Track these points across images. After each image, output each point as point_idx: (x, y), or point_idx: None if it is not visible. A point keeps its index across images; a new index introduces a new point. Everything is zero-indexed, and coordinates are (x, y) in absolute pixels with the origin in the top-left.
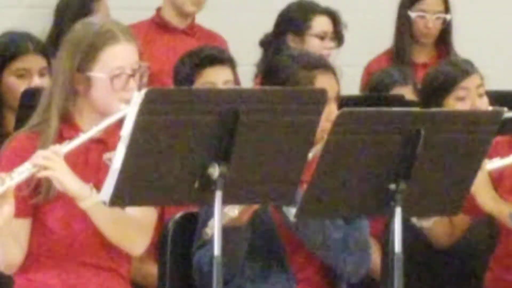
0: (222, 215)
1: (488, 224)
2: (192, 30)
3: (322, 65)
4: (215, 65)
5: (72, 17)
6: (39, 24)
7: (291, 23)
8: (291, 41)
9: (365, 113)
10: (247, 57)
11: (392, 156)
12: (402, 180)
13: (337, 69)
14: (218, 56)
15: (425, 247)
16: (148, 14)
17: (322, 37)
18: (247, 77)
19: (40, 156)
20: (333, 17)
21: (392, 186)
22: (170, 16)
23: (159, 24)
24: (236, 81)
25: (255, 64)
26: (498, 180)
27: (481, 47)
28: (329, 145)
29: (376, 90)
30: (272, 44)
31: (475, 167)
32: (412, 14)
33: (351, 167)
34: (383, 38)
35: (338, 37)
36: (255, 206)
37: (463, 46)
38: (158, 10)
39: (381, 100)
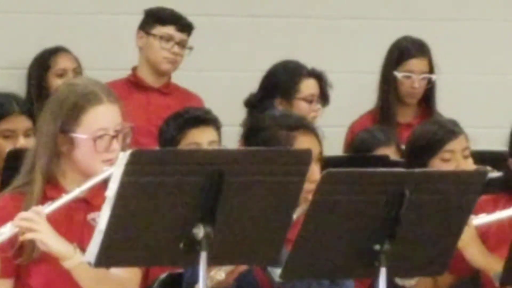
0: (208, 279)
1: (471, 282)
2: (168, 88)
3: (303, 125)
4: (200, 126)
5: (36, 76)
6: (15, 84)
7: (279, 87)
8: (279, 104)
9: (350, 174)
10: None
11: (377, 216)
12: (387, 241)
13: (319, 130)
14: (203, 117)
15: None
16: (123, 74)
17: (310, 100)
18: (226, 138)
19: (22, 218)
20: (320, 78)
21: (377, 247)
22: (146, 75)
23: (134, 82)
24: (220, 141)
25: (239, 124)
26: (483, 237)
27: (464, 106)
28: (314, 206)
29: (359, 150)
30: (258, 106)
31: (460, 226)
32: (398, 75)
33: (336, 228)
34: (366, 99)
35: (324, 98)
36: (242, 268)
37: (446, 106)
38: (134, 69)
39: (366, 160)
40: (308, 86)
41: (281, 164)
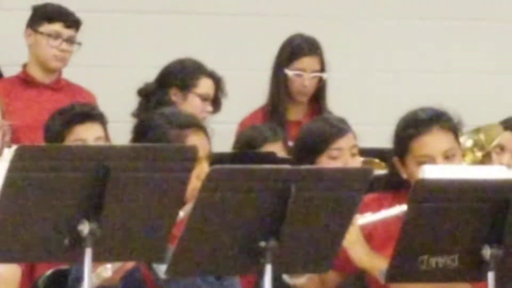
0: (95, 276)
1: (358, 280)
2: (59, 84)
3: (194, 124)
4: (86, 122)
5: None
6: None
7: (176, 77)
8: (173, 95)
9: (235, 171)
10: (121, 113)
11: (260, 213)
12: (272, 238)
13: (209, 129)
14: (89, 113)
15: None
16: (14, 70)
17: (205, 99)
18: (120, 134)
19: None
20: (217, 82)
21: (262, 244)
22: (36, 72)
23: (25, 79)
24: (107, 137)
25: (131, 114)
26: (368, 236)
27: (354, 104)
28: (199, 203)
29: (247, 147)
30: (153, 95)
31: (346, 224)
32: (289, 73)
33: (221, 225)
34: (258, 95)
35: (217, 102)
36: (128, 265)
37: (337, 103)
38: (24, 66)
39: (253, 157)
40: (206, 85)
41: (167, 161)
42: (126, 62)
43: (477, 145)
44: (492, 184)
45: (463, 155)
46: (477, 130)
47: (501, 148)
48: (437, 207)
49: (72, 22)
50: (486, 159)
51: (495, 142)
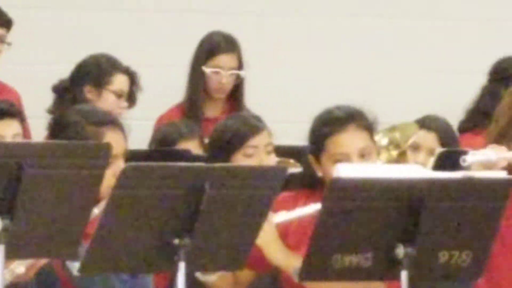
0: (8, 272)
1: (272, 278)
2: None
3: (110, 121)
4: (4, 118)
5: None
6: None
7: (90, 74)
8: (88, 92)
9: (149, 168)
10: (39, 110)
11: (176, 211)
12: (186, 235)
13: (125, 126)
14: (7, 110)
15: None
16: None
17: (119, 95)
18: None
19: None
20: (132, 78)
21: (176, 241)
22: None
23: None
24: (27, 134)
25: (46, 110)
26: (284, 234)
27: (272, 102)
28: (113, 200)
29: (163, 144)
30: (68, 92)
31: (260, 222)
32: (206, 70)
33: (135, 222)
34: (175, 92)
35: (132, 98)
36: (42, 262)
37: (255, 101)
38: None
39: (168, 154)
40: (121, 81)
41: (81, 158)
42: (44, 59)
43: (393, 143)
44: (406, 183)
45: (379, 153)
46: (392, 129)
47: (416, 147)
48: (351, 206)
49: (4, 21)
50: (401, 158)
51: (410, 141)
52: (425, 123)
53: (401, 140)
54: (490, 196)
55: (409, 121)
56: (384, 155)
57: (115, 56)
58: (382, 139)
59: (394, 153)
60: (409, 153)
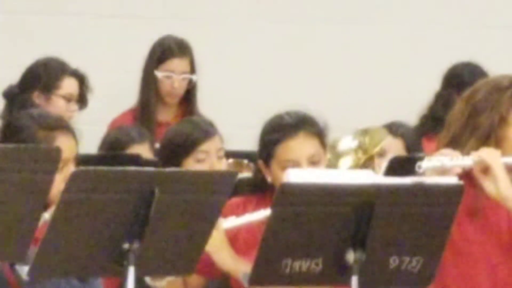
0: None
1: (222, 284)
2: None
3: (61, 126)
4: None
5: None
6: None
7: (39, 80)
8: (37, 98)
9: (99, 172)
10: None
11: (126, 215)
12: (136, 240)
13: (77, 131)
14: None
15: None
16: None
17: (68, 99)
18: None
19: None
20: (82, 80)
21: (126, 246)
22: None
23: None
24: None
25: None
26: (233, 240)
27: (224, 107)
28: (62, 204)
29: (113, 148)
30: (16, 98)
31: (209, 227)
32: (159, 74)
33: (85, 226)
34: (128, 97)
35: (82, 100)
36: None
37: (207, 105)
38: None
39: (118, 158)
40: (69, 85)
41: (30, 161)
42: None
43: (361, 148)
44: (356, 188)
45: (347, 155)
46: (364, 132)
47: (382, 152)
48: (300, 211)
49: None
50: (368, 163)
51: (378, 147)
52: (392, 129)
53: (370, 145)
54: (441, 202)
55: (379, 126)
56: (351, 158)
57: (65, 60)
58: (352, 142)
59: (362, 157)
60: (376, 159)
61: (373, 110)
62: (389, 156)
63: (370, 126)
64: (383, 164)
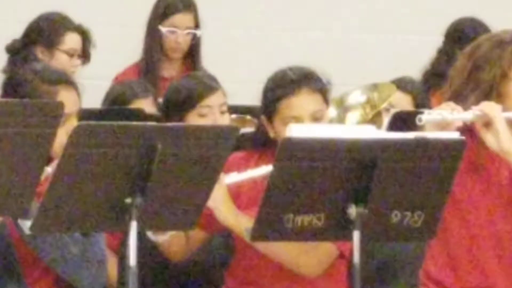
0: None
1: (224, 238)
2: None
3: (64, 80)
4: None
5: None
6: None
7: (42, 35)
8: (40, 53)
9: (101, 127)
10: None
11: (128, 170)
12: (138, 194)
13: (79, 85)
14: None
15: (162, 260)
16: None
17: (71, 54)
18: None
19: None
20: (85, 35)
21: (128, 200)
22: None
23: None
24: None
25: (1, 70)
26: (235, 195)
27: (228, 62)
28: (64, 159)
29: (116, 103)
30: (20, 52)
31: (211, 182)
32: (163, 29)
33: (87, 181)
34: (132, 51)
35: (85, 55)
36: None
37: (211, 60)
38: None
39: (121, 113)
40: (72, 40)
41: (33, 116)
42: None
43: (370, 102)
44: (359, 143)
45: (355, 109)
46: (373, 87)
47: (390, 108)
48: (303, 166)
49: None
50: (376, 119)
51: (386, 103)
52: (401, 84)
53: (378, 100)
54: (443, 157)
55: (388, 81)
56: (358, 113)
57: (69, 15)
58: (360, 96)
59: (370, 113)
60: (384, 114)
61: (378, 66)
62: (392, 110)
63: (380, 81)
64: (386, 119)
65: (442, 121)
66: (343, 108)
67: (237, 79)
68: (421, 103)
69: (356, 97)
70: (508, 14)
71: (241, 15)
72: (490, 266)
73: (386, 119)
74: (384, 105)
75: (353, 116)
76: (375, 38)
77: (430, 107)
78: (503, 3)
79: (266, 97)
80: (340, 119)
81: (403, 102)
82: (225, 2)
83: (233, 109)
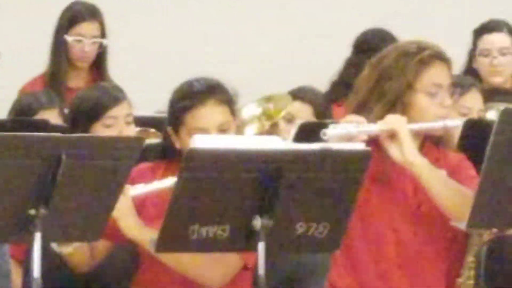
0: None
1: (130, 249)
2: None
3: None
4: None
5: None
6: None
7: None
8: None
9: (4, 138)
10: None
11: (33, 181)
12: (43, 206)
13: None
14: None
15: (67, 271)
16: None
17: None
18: None
19: None
20: None
21: (32, 212)
22: None
23: None
24: None
25: None
26: (141, 207)
27: (135, 72)
28: None
29: (22, 114)
30: None
31: (116, 193)
32: (69, 38)
33: None
34: (39, 62)
35: None
36: None
37: (118, 71)
38: None
39: (26, 124)
40: None
41: None
42: None
43: (266, 114)
44: (264, 154)
45: (251, 123)
46: (267, 99)
47: (291, 118)
48: (207, 177)
49: None
50: (273, 129)
51: (283, 112)
52: (300, 94)
53: (274, 111)
54: (348, 168)
55: (284, 92)
56: (256, 125)
57: None
58: (256, 109)
59: (267, 123)
60: (283, 124)
61: (284, 77)
62: (298, 121)
63: (274, 92)
64: (292, 130)
65: (347, 135)
66: (240, 122)
67: (144, 89)
68: (322, 113)
69: (251, 110)
70: (415, 24)
71: (149, 25)
72: (393, 274)
73: (289, 130)
74: (281, 115)
75: (250, 129)
76: (283, 48)
77: (331, 116)
78: (409, 13)
79: (172, 108)
80: (239, 133)
81: (303, 111)
82: (133, 11)
83: (139, 120)
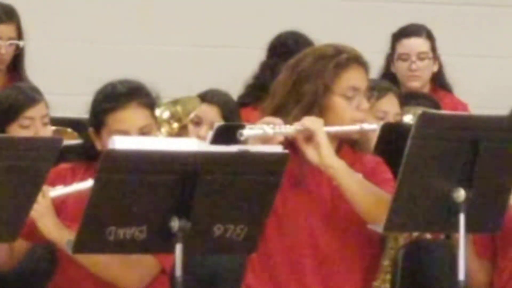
0: None
1: (48, 249)
2: None
3: None
4: None
5: None
6: None
7: None
8: None
9: None
10: None
11: None
12: None
13: None
14: None
15: None
16: None
17: None
18: None
19: None
20: None
21: None
22: None
23: None
24: None
25: None
26: (61, 208)
27: (53, 73)
28: None
29: None
30: None
31: (34, 194)
32: None
33: None
34: None
35: None
36: None
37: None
38: None
39: None
40: None
41: None
42: None
43: (174, 117)
44: (181, 156)
45: (160, 127)
46: (175, 102)
47: (198, 120)
48: (125, 178)
49: None
50: (182, 131)
51: (191, 115)
52: (207, 97)
53: (183, 114)
54: (265, 170)
55: (192, 95)
56: (165, 128)
57: None
58: (163, 113)
59: (175, 126)
60: (192, 127)
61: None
62: (216, 124)
63: (182, 96)
64: (210, 132)
65: (263, 135)
66: None
67: (63, 91)
68: (229, 114)
69: (159, 113)
70: (331, 27)
71: (68, 26)
72: (308, 276)
73: (198, 132)
74: (190, 117)
75: (159, 132)
76: (200, 51)
77: (240, 119)
78: (325, 17)
79: (94, 109)
80: None
81: (210, 114)
82: (51, 13)
83: (57, 121)
